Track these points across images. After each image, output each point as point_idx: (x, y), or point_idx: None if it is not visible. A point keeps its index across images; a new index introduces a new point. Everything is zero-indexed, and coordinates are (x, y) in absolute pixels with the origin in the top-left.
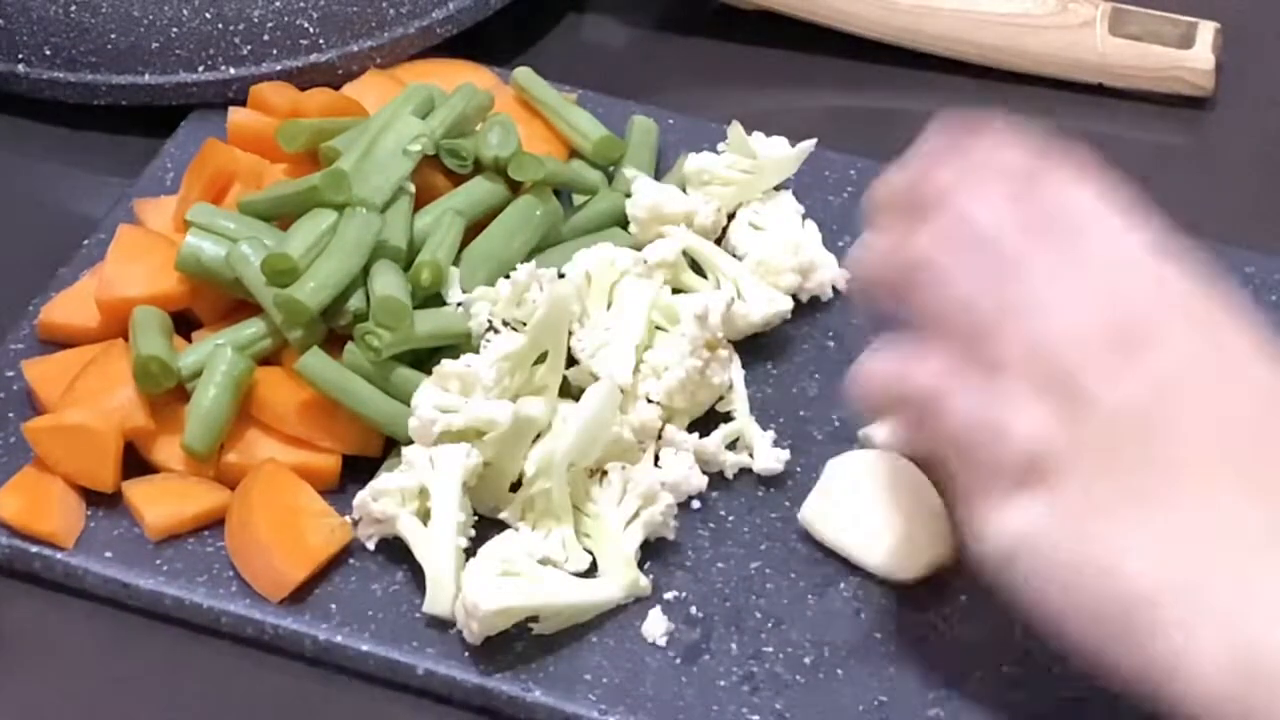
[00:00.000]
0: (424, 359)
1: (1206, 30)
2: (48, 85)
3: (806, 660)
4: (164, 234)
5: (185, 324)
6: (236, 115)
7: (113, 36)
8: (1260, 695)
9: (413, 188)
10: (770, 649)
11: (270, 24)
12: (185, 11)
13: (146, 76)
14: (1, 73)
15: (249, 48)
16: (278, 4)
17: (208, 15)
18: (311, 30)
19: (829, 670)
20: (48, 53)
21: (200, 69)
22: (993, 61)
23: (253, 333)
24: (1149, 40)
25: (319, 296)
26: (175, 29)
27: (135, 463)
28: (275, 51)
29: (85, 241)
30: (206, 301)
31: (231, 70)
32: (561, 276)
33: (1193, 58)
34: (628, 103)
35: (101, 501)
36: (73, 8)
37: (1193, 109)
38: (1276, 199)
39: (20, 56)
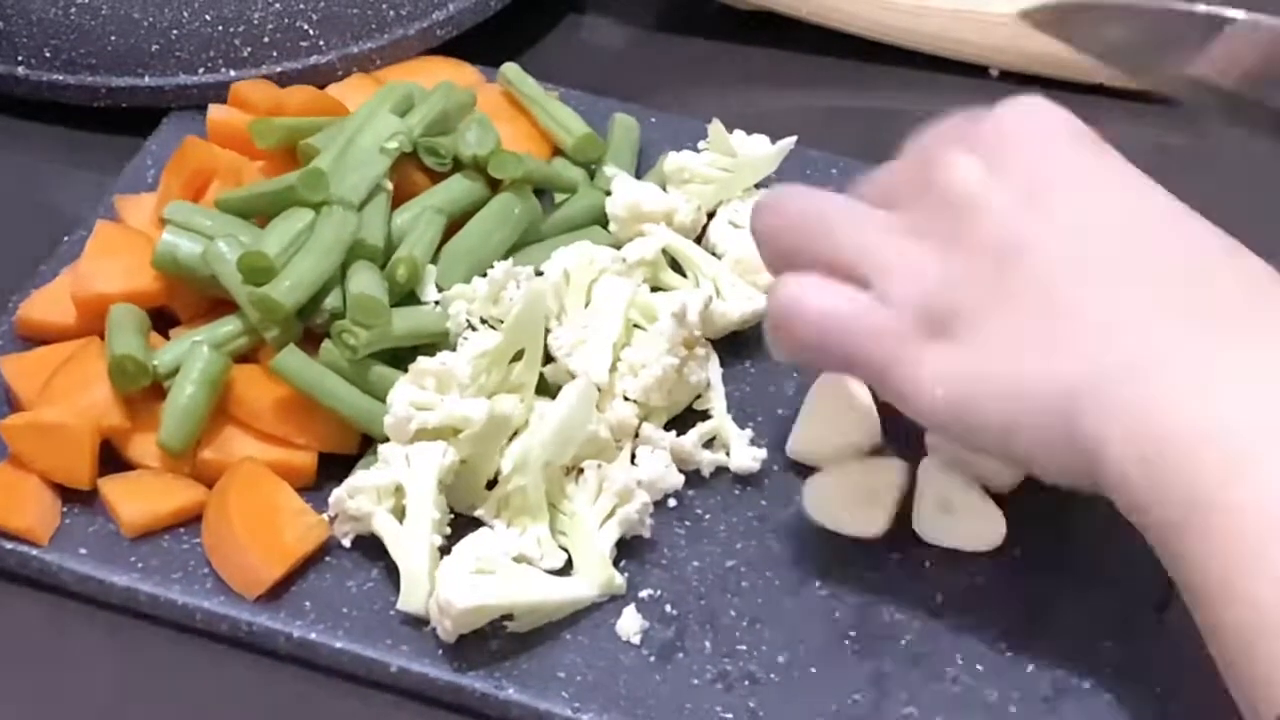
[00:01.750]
0: (402, 357)
1: None
2: (47, 87)
3: (780, 658)
4: (142, 231)
5: (163, 321)
6: (216, 112)
7: (113, 39)
8: (1156, 477)
9: (390, 185)
10: (744, 647)
11: (270, 26)
12: (185, 14)
13: (146, 79)
14: (1, 74)
15: (249, 50)
16: (277, 6)
17: (207, 17)
18: (311, 32)
19: (803, 668)
20: (48, 55)
21: (200, 71)
22: (992, 61)
23: (230, 330)
24: None
25: (294, 295)
26: (175, 31)
27: (111, 459)
28: (275, 54)
29: (66, 238)
30: (184, 299)
31: (232, 72)
32: (540, 274)
33: None
34: (610, 100)
35: (77, 498)
36: (73, 10)
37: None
38: (1276, 199)
39: (20, 58)
